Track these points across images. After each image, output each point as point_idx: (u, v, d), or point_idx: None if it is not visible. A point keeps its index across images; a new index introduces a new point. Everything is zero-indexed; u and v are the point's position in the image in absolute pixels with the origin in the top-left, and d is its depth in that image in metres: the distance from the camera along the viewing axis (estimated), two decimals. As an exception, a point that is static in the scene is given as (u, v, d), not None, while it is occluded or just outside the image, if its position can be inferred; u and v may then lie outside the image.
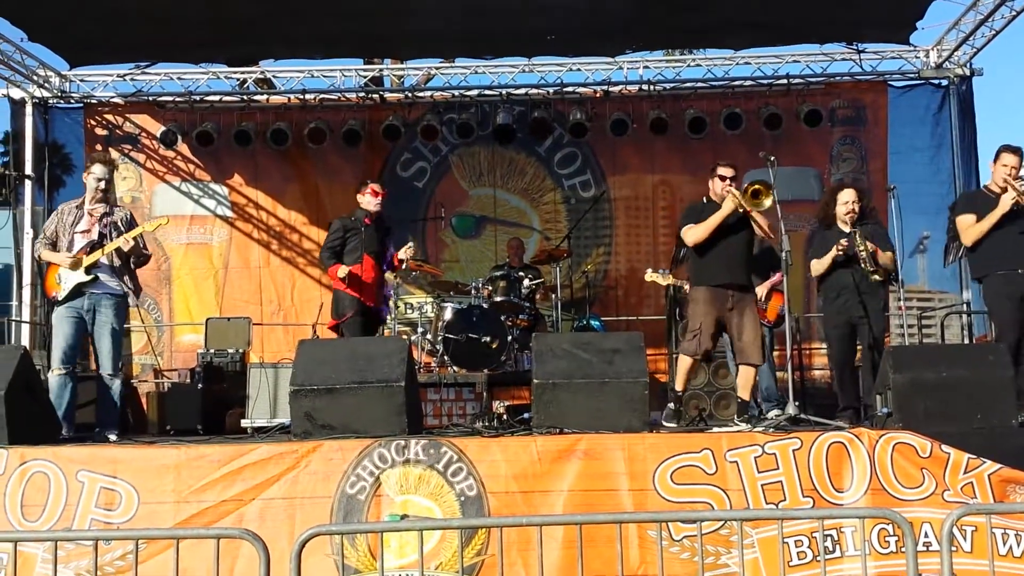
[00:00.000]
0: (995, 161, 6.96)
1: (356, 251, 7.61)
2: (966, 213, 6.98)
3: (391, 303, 8.41)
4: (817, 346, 10.01)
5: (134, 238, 6.81)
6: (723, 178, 6.78)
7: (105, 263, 6.77)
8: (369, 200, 7.74)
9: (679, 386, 6.85)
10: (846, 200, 7.09)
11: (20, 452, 5.59)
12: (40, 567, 5.25)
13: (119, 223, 6.88)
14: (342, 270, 7.65)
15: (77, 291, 6.72)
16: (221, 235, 11.17)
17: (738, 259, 6.74)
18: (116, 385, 6.79)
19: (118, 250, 6.77)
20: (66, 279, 6.72)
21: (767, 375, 8.19)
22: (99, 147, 9.64)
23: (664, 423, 6.66)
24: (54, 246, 6.85)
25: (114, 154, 11.18)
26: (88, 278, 6.72)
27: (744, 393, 6.73)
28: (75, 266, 6.68)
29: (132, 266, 6.98)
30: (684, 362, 6.77)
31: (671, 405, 6.82)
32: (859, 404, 7.11)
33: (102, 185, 6.91)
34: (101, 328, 6.77)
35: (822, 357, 10.00)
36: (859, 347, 7.14)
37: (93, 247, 6.76)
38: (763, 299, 8.06)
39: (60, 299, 6.75)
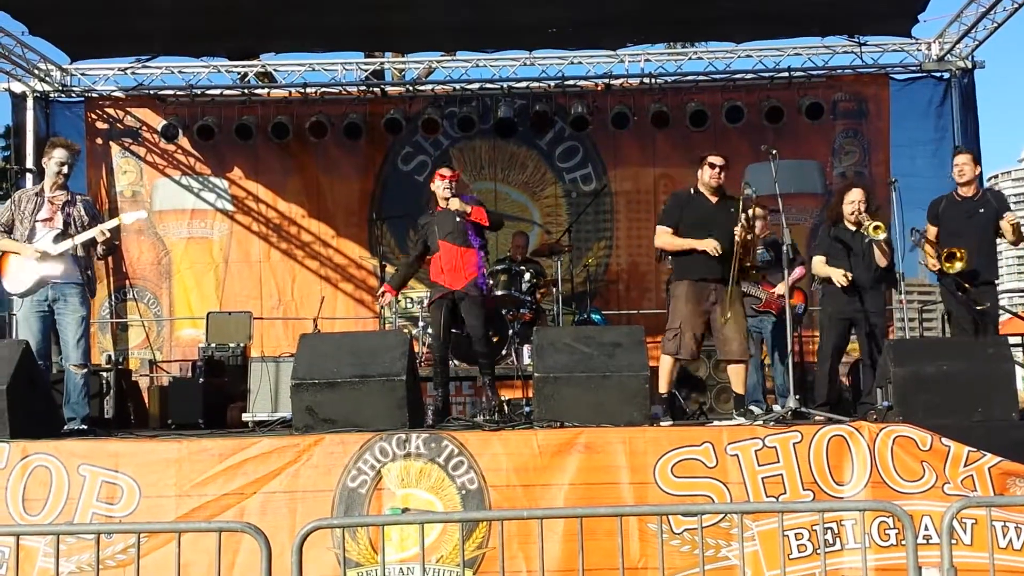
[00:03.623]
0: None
1: (433, 240, 7.28)
2: (929, 223, 7.33)
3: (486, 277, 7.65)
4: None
5: (110, 230, 6.65)
6: (712, 166, 6.68)
7: (70, 252, 6.60)
8: (438, 185, 7.33)
9: (662, 388, 6.63)
10: (853, 199, 7.08)
11: (22, 446, 5.60)
12: (42, 561, 5.27)
13: (83, 211, 6.72)
14: (386, 297, 7.78)
15: (41, 282, 6.56)
16: (222, 229, 11.18)
17: (721, 254, 6.58)
18: (83, 376, 6.64)
19: (84, 240, 6.60)
20: (29, 269, 6.54)
21: (752, 373, 8.09)
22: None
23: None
24: (10, 234, 6.65)
25: (115, 148, 11.23)
26: (58, 268, 6.56)
27: (738, 388, 6.68)
28: (42, 259, 6.51)
29: (99, 256, 6.86)
30: (664, 362, 6.62)
31: (660, 408, 6.54)
32: (836, 400, 7.14)
33: (64, 170, 6.70)
34: (68, 318, 6.59)
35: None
36: (853, 343, 7.16)
37: (58, 236, 6.59)
38: (782, 296, 7.88)
39: (23, 291, 6.57)
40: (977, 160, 7.35)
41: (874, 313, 7.03)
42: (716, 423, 6.15)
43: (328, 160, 11.16)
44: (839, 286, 6.94)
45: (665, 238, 6.71)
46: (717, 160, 6.72)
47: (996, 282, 7.34)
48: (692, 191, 6.82)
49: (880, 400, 6.03)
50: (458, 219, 7.20)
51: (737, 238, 6.46)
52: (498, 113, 10.79)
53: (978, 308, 6.93)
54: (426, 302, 7.57)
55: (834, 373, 7.15)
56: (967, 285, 6.98)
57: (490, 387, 7.32)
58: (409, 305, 9.93)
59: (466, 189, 7.93)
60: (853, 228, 7.07)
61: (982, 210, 7.17)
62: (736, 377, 6.68)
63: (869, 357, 7.00)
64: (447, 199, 7.22)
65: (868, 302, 6.99)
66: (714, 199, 6.72)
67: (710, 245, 6.46)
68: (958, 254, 6.91)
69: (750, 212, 6.57)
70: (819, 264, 7.17)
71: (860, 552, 4.90)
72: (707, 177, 6.71)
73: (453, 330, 8.43)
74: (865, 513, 5.03)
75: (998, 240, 7.30)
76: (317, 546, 5.11)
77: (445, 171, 7.37)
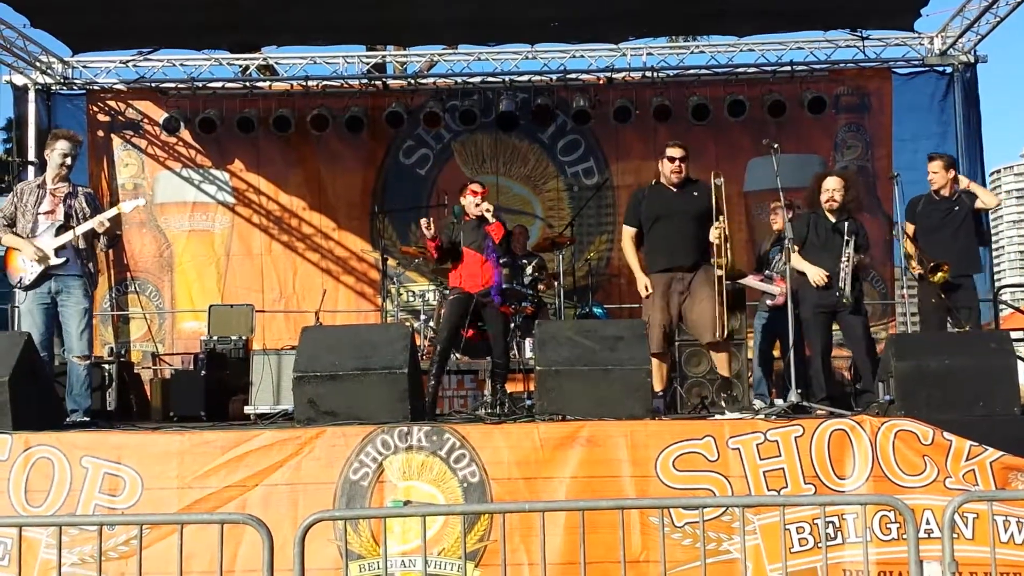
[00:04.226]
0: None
1: (459, 247, 7.50)
2: (907, 221, 7.50)
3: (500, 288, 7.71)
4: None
5: (110, 219, 6.62)
6: (672, 159, 6.74)
7: (72, 244, 6.58)
8: (469, 201, 7.49)
9: (656, 386, 6.64)
10: (828, 187, 7.09)
11: (24, 438, 5.60)
12: (44, 552, 5.27)
13: (84, 203, 6.71)
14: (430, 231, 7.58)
15: (44, 274, 6.55)
16: (223, 222, 11.19)
17: (684, 241, 6.64)
18: (86, 367, 6.63)
19: (85, 232, 6.59)
20: (33, 262, 6.53)
21: (759, 366, 8.09)
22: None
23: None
24: (12, 227, 6.64)
25: (116, 141, 11.23)
26: (60, 261, 6.55)
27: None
28: (42, 261, 6.50)
29: (102, 248, 6.86)
30: (652, 362, 6.58)
31: (657, 405, 6.56)
32: (837, 392, 7.15)
33: (67, 162, 6.68)
34: (71, 310, 6.58)
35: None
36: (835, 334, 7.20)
37: (60, 228, 6.58)
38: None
39: (27, 284, 6.56)
40: (950, 165, 7.54)
41: (858, 303, 6.98)
42: (718, 417, 6.16)
43: (330, 153, 11.16)
44: (814, 282, 6.93)
45: (625, 243, 6.95)
46: (676, 152, 6.73)
47: (974, 275, 7.58)
48: (653, 183, 6.89)
49: (882, 394, 6.03)
50: (481, 229, 7.35)
51: (714, 239, 6.50)
52: (500, 107, 10.79)
53: (958, 330, 7.17)
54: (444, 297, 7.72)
55: (827, 367, 7.15)
56: (942, 295, 7.23)
57: (502, 391, 7.34)
58: (411, 299, 9.92)
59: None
60: (833, 219, 7.05)
61: (957, 208, 7.44)
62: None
63: (854, 348, 7.01)
64: (478, 209, 7.36)
65: (850, 292, 6.94)
66: (674, 188, 6.80)
67: (640, 283, 6.73)
68: (944, 268, 7.15)
69: (723, 215, 6.55)
70: (793, 256, 7.12)
71: (861, 546, 4.91)
72: (668, 172, 6.76)
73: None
74: (867, 507, 5.03)
75: (1001, 237, 7.41)
76: (319, 538, 5.10)
77: (477, 187, 7.52)
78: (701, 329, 6.65)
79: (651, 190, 6.90)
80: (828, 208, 7.05)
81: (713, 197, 6.58)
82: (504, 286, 8.86)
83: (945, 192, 7.48)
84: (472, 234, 7.43)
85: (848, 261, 6.84)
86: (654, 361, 6.62)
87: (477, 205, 7.40)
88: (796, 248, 7.03)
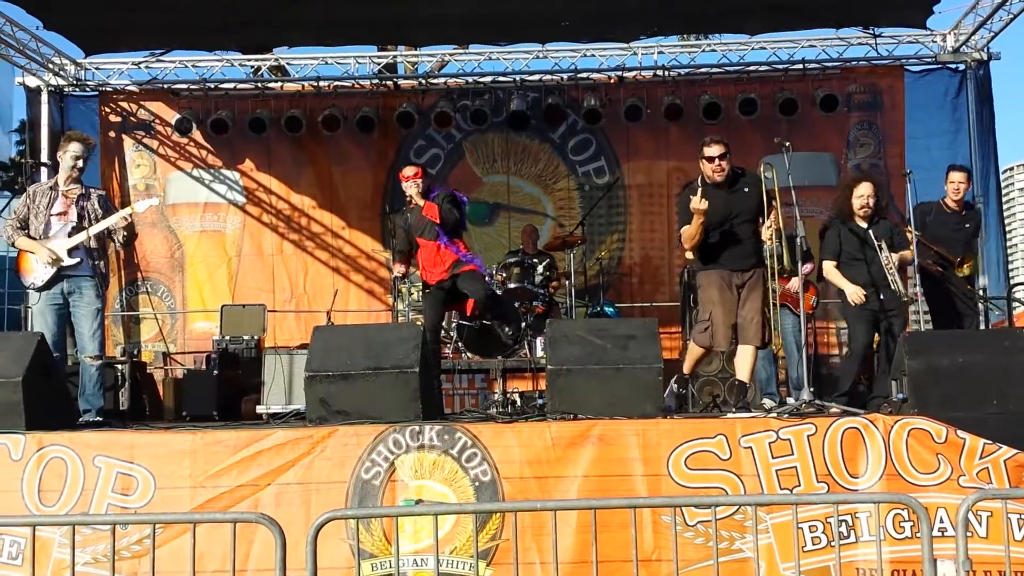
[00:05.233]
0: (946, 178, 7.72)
1: (412, 237, 7.49)
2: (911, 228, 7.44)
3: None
4: (834, 325, 10.00)
5: (123, 218, 6.67)
6: (711, 159, 6.43)
7: (84, 245, 6.62)
8: (405, 187, 7.45)
9: (686, 369, 6.72)
10: (861, 194, 7.05)
11: (38, 437, 5.62)
12: (57, 551, 5.29)
13: (96, 205, 6.75)
14: (397, 269, 7.90)
15: (57, 275, 6.60)
16: (234, 223, 11.21)
17: (742, 244, 6.48)
18: (98, 367, 6.67)
19: (97, 233, 6.63)
20: (47, 263, 6.58)
21: (766, 366, 8.05)
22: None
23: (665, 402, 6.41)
24: (25, 229, 6.69)
25: (128, 141, 11.27)
26: (73, 261, 6.60)
27: (741, 374, 6.53)
28: (53, 263, 6.55)
29: (118, 246, 6.90)
30: (694, 350, 6.63)
31: (674, 386, 6.66)
32: (858, 391, 7.16)
33: (79, 164, 6.72)
34: (83, 310, 6.63)
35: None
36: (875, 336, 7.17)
37: (73, 230, 6.61)
38: (798, 291, 7.69)
39: (40, 285, 6.60)
40: (971, 177, 7.84)
41: (892, 311, 7.02)
42: (730, 415, 6.13)
43: (341, 153, 11.18)
44: (852, 301, 6.94)
45: (684, 236, 6.56)
46: (714, 151, 6.43)
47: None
48: (699, 181, 6.53)
49: (895, 392, 6.00)
50: (424, 215, 7.30)
51: (767, 240, 6.34)
52: (511, 106, 10.78)
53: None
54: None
55: (861, 365, 7.15)
56: (970, 287, 7.59)
57: (514, 328, 7.46)
58: (421, 298, 9.91)
59: (436, 182, 8.68)
60: (864, 224, 7.04)
61: (968, 225, 7.65)
62: (742, 361, 6.52)
63: (887, 352, 6.98)
64: (409, 195, 7.37)
65: (886, 298, 6.97)
66: (724, 189, 6.51)
67: (697, 221, 6.34)
68: (968, 260, 7.53)
69: (776, 212, 6.27)
70: (830, 269, 7.11)
71: (875, 545, 4.89)
72: (709, 172, 6.47)
73: (465, 322, 8.48)
74: (880, 505, 5.01)
75: (1015, 235, 7.52)
76: (331, 537, 5.12)
77: (408, 171, 7.45)
78: (745, 329, 6.47)
79: (702, 191, 6.39)
80: (863, 215, 7.03)
81: (764, 190, 6.36)
82: (512, 285, 8.88)
83: (958, 204, 7.61)
84: (419, 221, 7.40)
85: (891, 265, 6.87)
86: (699, 350, 6.59)
87: (411, 187, 7.32)
88: (833, 262, 7.07)
